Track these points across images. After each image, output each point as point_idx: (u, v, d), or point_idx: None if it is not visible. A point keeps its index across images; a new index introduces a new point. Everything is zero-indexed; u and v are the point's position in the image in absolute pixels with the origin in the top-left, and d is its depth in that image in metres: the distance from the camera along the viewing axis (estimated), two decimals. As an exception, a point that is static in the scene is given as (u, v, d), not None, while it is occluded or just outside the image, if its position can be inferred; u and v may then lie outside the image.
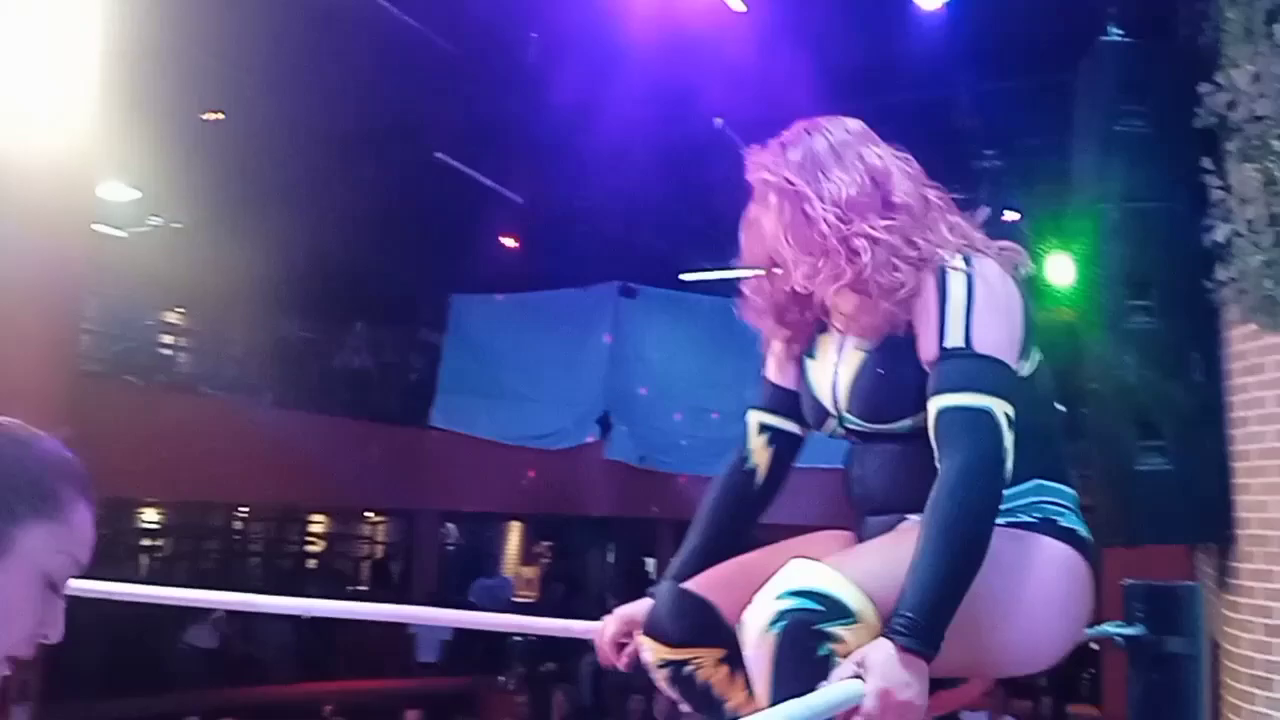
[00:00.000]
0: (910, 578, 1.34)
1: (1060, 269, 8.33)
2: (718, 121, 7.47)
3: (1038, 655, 1.48)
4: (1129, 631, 1.48)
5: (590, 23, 6.54)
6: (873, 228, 1.52)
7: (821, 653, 1.30)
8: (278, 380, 11.11)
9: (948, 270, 1.49)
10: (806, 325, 1.68)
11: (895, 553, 1.43)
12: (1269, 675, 3.75)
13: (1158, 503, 4.08)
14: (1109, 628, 1.51)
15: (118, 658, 9.40)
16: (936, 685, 1.41)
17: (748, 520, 1.74)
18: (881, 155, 1.59)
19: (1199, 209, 4.27)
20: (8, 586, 0.93)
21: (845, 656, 1.32)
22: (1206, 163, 4.26)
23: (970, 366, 1.43)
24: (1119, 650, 1.57)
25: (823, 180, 1.55)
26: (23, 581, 0.94)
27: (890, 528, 1.54)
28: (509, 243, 11.88)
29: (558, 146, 8.21)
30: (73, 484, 0.99)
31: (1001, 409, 1.41)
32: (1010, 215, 8.57)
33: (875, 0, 6.63)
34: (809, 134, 1.60)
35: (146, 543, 12.42)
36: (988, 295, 1.47)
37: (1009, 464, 1.40)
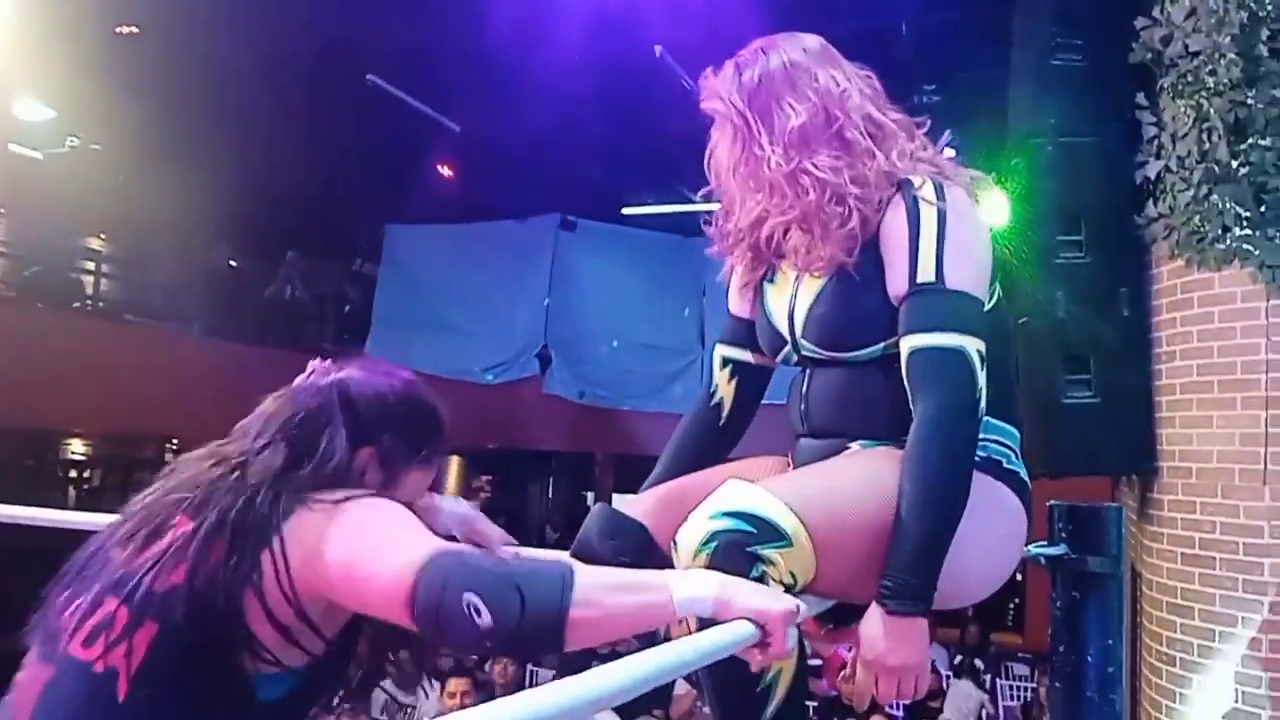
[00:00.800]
0: (896, 535, 1.33)
1: (996, 205, 8.43)
2: (658, 50, 7.35)
3: (970, 592, 1.50)
4: (1052, 551, 1.50)
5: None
6: (818, 165, 1.50)
7: (754, 575, 1.29)
8: (207, 310, 10.85)
9: (920, 201, 1.46)
10: (765, 255, 1.65)
11: (833, 478, 1.43)
12: (1189, 604, 3.88)
13: (1083, 435, 4.18)
14: (1033, 548, 1.53)
15: (28, 589, 9.23)
16: (856, 613, 1.42)
17: (715, 452, 1.72)
18: (838, 78, 1.55)
19: (1132, 144, 4.32)
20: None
21: (777, 579, 1.31)
22: (1140, 98, 4.30)
23: (943, 303, 1.42)
24: (1042, 582, 1.60)
25: (774, 111, 1.52)
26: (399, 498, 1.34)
27: (833, 451, 1.53)
28: (445, 172, 11.65)
29: (496, 73, 8.02)
30: (445, 445, 1.42)
31: (975, 347, 1.40)
32: (948, 151, 8.60)
33: (819, -73, 6.53)
34: (764, 54, 1.56)
35: (74, 474, 12.17)
36: (960, 228, 1.45)
37: (983, 403, 1.40)
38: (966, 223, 1.47)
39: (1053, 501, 1.55)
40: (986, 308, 1.49)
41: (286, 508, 1.26)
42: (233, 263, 12.10)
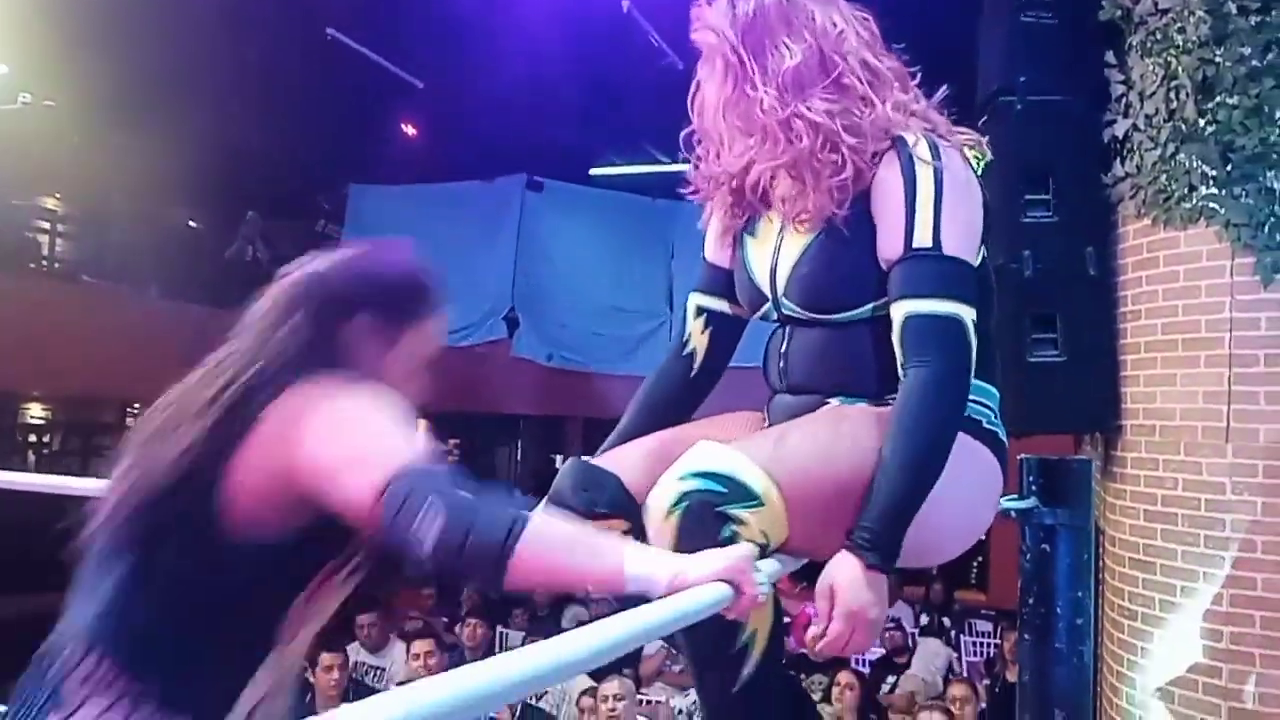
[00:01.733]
0: (876, 488, 1.32)
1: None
2: (625, 4, 7.25)
3: (946, 548, 1.50)
4: (1022, 505, 1.49)
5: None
6: (812, 109, 1.45)
7: (725, 535, 1.28)
8: (165, 271, 10.66)
9: (916, 161, 1.43)
10: (748, 202, 1.60)
11: (807, 435, 1.41)
12: (1151, 559, 3.93)
13: (1050, 393, 4.19)
14: (1003, 502, 1.52)
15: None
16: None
17: (684, 405, 1.69)
18: (835, 19, 1.50)
19: (1101, 103, 4.30)
20: (394, 368, 1.44)
21: (749, 539, 1.29)
22: (1109, 56, 4.28)
23: (940, 270, 1.39)
24: (1005, 539, 1.60)
25: (769, 50, 1.47)
26: (403, 364, 1.46)
27: (809, 409, 1.51)
28: (410, 131, 11.47)
29: (460, 29, 7.89)
30: (434, 302, 1.52)
31: (970, 316, 1.39)
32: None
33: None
34: None
35: (33, 439, 11.98)
36: (956, 191, 1.42)
37: (973, 371, 1.39)
38: (962, 186, 1.44)
39: (1023, 455, 1.54)
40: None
41: (273, 391, 1.33)
42: (192, 223, 11.89)
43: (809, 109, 1.45)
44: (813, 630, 1.33)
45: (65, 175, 9.87)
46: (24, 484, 2.04)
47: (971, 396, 1.46)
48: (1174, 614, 3.81)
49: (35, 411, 11.71)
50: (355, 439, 1.26)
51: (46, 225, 10.64)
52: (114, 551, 1.33)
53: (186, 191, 10.71)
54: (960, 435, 1.40)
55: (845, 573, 1.31)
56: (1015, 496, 1.53)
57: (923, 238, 1.40)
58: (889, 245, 1.43)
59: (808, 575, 1.52)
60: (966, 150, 1.51)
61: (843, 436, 1.40)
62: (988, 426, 1.48)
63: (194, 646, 1.30)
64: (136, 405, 12.55)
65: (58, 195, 10.64)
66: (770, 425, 1.57)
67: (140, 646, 1.29)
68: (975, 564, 9.58)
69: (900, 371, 1.39)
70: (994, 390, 1.53)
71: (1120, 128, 4.22)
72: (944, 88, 1.58)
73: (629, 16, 7.30)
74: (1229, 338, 3.73)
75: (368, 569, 1.43)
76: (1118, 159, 4.26)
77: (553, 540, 1.19)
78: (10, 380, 9.26)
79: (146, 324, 9.51)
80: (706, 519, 1.28)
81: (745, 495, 1.30)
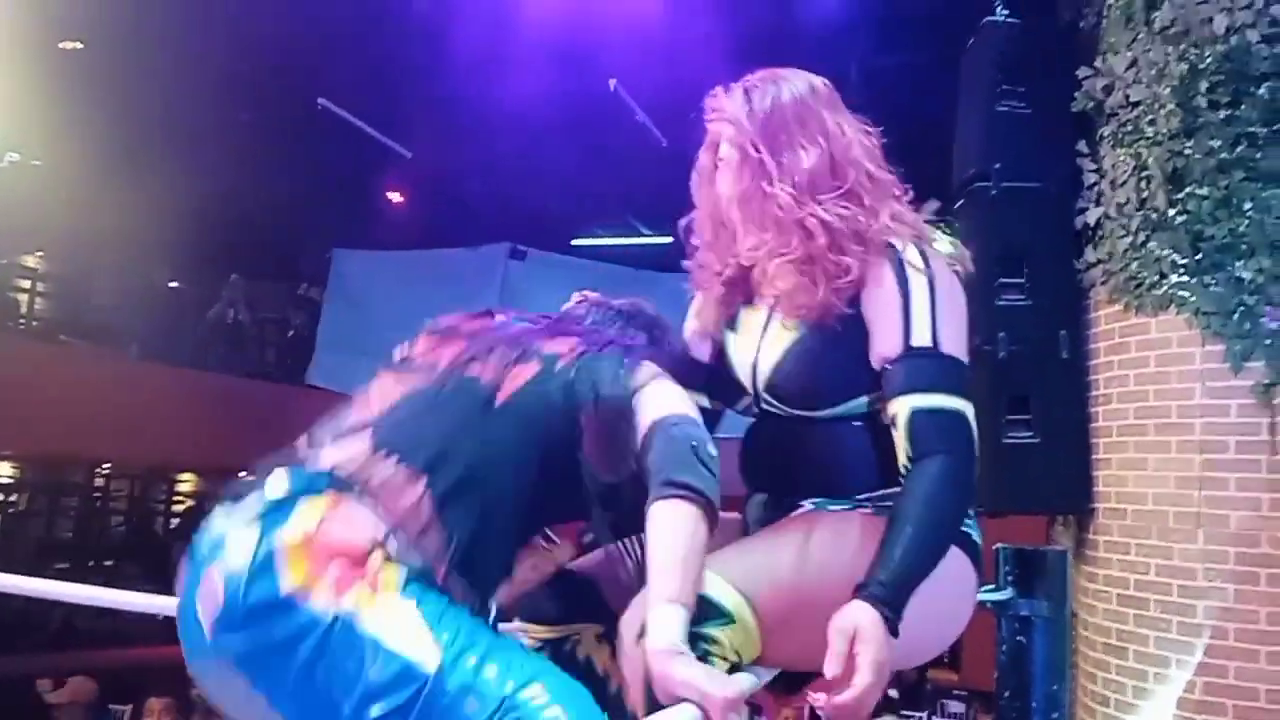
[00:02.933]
0: (889, 549, 1.32)
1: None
2: (612, 83, 7.39)
3: (924, 652, 1.51)
4: (998, 596, 1.50)
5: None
6: (826, 210, 1.48)
7: (697, 654, 1.25)
8: (145, 331, 10.61)
9: (907, 266, 1.46)
10: (740, 294, 1.62)
11: (780, 548, 1.41)
12: (1124, 645, 3.93)
13: (1023, 474, 4.22)
14: (981, 593, 1.53)
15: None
16: (803, 680, 1.40)
17: None
18: (844, 126, 1.54)
19: (1073, 191, 4.41)
20: None
21: (721, 656, 1.29)
22: (1082, 146, 4.40)
23: (941, 367, 1.42)
24: (979, 619, 1.60)
25: (784, 148, 1.50)
26: None
27: (785, 511, 1.51)
28: (395, 198, 11.55)
29: (449, 100, 8.00)
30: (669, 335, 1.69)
31: (970, 411, 1.41)
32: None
33: (772, -32, 6.63)
34: (775, 84, 1.54)
35: (0, 498, 11.79)
36: (946, 296, 1.46)
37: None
38: (951, 290, 1.47)
39: (1000, 545, 1.55)
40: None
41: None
42: (174, 283, 11.88)
43: (824, 210, 1.48)
44: (838, 695, 1.27)
45: (49, 234, 9.86)
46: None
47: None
48: (1147, 701, 3.79)
49: (3, 470, 11.54)
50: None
51: (26, 284, 10.60)
52: (471, 393, 1.37)
53: (170, 252, 10.72)
54: (954, 549, 1.41)
55: (868, 621, 1.27)
56: (992, 587, 1.54)
57: (921, 337, 1.42)
58: (887, 343, 1.45)
59: (783, 682, 1.50)
60: (944, 235, 1.54)
61: (818, 548, 1.40)
62: (962, 529, 1.48)
63: (494, 516, 1.31)
64: (107, 465, 12.41)
65: (39, 253, 10.62)
66: (745, 526, 1.57)
67: (457, 492, 1.29)
68: (949, 643, 9.51)
69: (905, 463, 1.40)
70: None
71: (1092, 215, 4.32)
72: (934, 202, 1.61)
73: (614, 93, 7.44)
74: (1199, 423, 3.78)
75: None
76: (1090, 245, 4.36)
77: (705, 538, 1.25)
78: (-20, 438, 9.14)
79: (122, 384, 9.44)
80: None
81: (717, 614, 1.30)
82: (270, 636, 1.17)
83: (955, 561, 1.45)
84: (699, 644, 1.27)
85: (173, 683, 8.38)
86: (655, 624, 1.19)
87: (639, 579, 1.34)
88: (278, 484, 1.28)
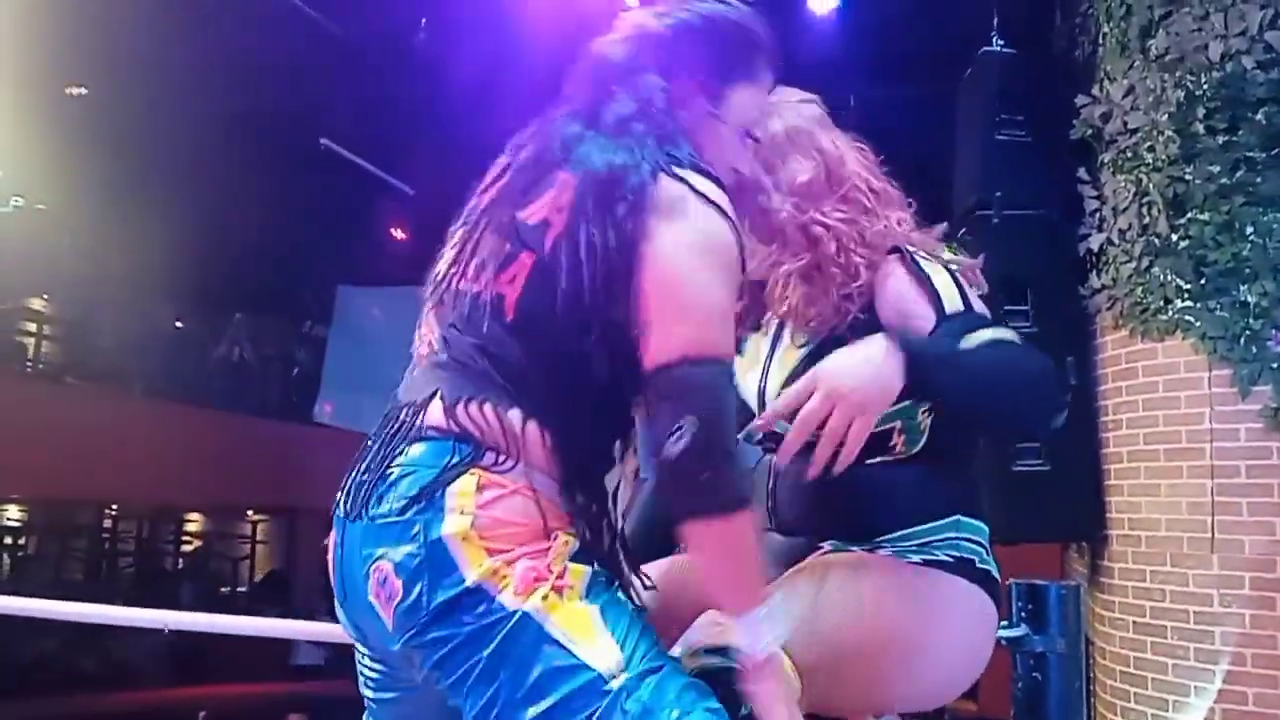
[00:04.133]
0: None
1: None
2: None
3: (940, 695, 1.48)
4: (1013, 633, 1.49)
5: (482, 11, 6.43)
6: (827, 215, 1.49)
7: (743, 713, 1.25)
8: (151, 371, 10.64)
9: (920, 259, 1.46)
10: (743, 319, 1.59)
11: (814, 594, 1.39)
12: (1142, 673, 3.89)
13: (1034, 502, 4.20)
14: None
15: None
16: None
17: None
18: (837, 142, 1.56)
19: (1074, 217, 4.42)
20: (722, 134, 1.32)
21: None
22: (1082, 173, 4.41)
23: (982, 320, 1.40)
24: (995, 649, 1.59)
25: (779, 168, 1.52)
26: (730, 132, 1.33)
27: (804, 552, 1.49)
28: (398, 234, 11.59)
29: (449, 137, 8.04)
30: (766, 54, 1.36)
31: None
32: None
33: (770, 1, 6.69)
34: (765, 117, 1.54)
35: (8, 541, 11.77)
36: (970, 284, 1.45)
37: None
38: (975, 283, 1.48)
39: (1013, 581, 1.54)
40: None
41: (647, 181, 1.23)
42: (179, 323, 11.92)
43: (825, 214, 1.49)
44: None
45: (55, 277, 9.92)
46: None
47: (964, 535, 1.46)
48: (1167, 730, 3.75)
49: (12, 514, 11.53)
50: (685, 301, 1.19)
51: (33, 327, 10.64)
52: (480, 311, 1.27)
53: (174, 292, 10.77)
54: (955, 580, 1.40)
55: (845, 352, 1.28)
56: (1006, 623, 1.52)
57: (954, 304, 1.41)
58: (918, 321, 1.41)
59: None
60: (953, 254, 1.53)
61: (836, 591, 1.38)
62: (980, 566, 1.47)
63: (580, 417, 1.25)
64: (114, 506, 12.40)
65: (45, 297, 10.67)
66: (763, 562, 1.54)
67: (538, 404, 1.23)
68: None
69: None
70: (985, 526, 1.52)
71: (1095, 241, 4.33)
72: (944, 225, 1.60)
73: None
74: (1210, 448, 3.77)
75: None
76: (1094, 271, 4.36)
77: (751, 540, 1.19)
78: (-13, 482, 9.15)
79: (128, 425, 9.46)
80: (729, 697, 1.24)
81: None
82: (460, 629, 1.16)
83: (970, 598, 1.44)
84: (745, 704, 1.25)
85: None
86: (751, 633, 1.20)
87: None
88: (407, 479, 1.22)
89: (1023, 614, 1.50)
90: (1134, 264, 4.08)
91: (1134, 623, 3.96)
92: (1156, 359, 3.98)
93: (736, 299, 1.25)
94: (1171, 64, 3.95)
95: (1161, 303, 3.94)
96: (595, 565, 1.22)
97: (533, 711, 1.12)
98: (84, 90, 7.62)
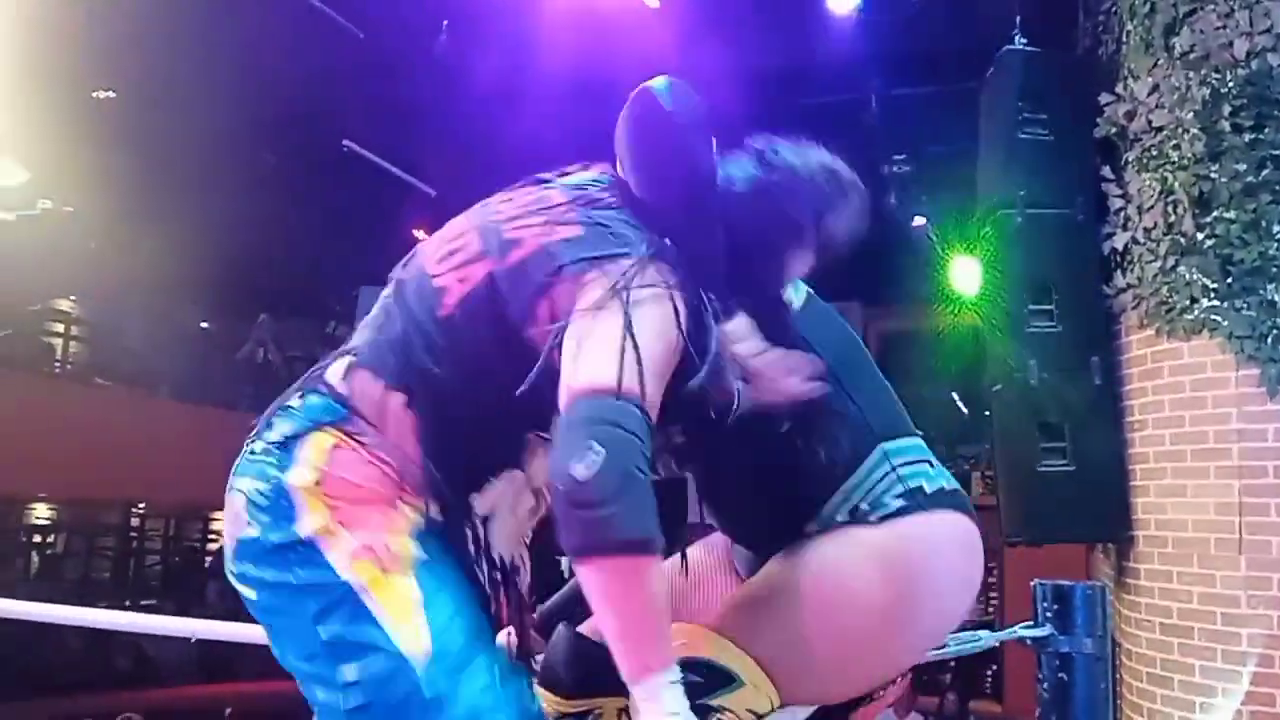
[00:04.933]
0: None
1: (966, 274, 8.50)
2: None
3: (945, 632, 1.45)
4: (1038, 633, 1.49)
5: (503, 13, 6.46)
6: None
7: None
8: (177, 372, 10.74)
9: None
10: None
11: (771, 595, 1.37)
12: (1168, 674, 3.87)
13: (1059, 502, 4.19)
14: (1019, 629, 1.51)
15: (3, 661, 8.99)
16: (855, 704, 1.39)
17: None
18: None
19: (1099, 216, 4.40)
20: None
21: None
22: (1106, 171, 4.39)
23: None
24: (1021, 648, 1.58)
25: None
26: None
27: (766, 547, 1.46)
28: (420, 235, 11.66)
29: (471, 138, 8.09)
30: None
31: None
32: (918, 220, 8.73)
33: (790, 1, 6.68)
34: None
35: (37, 540, 11.91)
36: None
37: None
38: None
39: (1038, 581, 1.54)
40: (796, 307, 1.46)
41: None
42: (204, 324, 12.02)
43: None
44: None
45: (82, 279, 10.03)
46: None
47: (899, 463, 1.40)
48: (1194, 731, 3.73)
49: (40, 512, 11.67)
50: (594, 342, 1.18)
51: (61, 328, 10.77)
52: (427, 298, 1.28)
53: (200, 293, 10.87)
54: (911, 521, 1.36)
55: None
56: (1030, 624, 1.53)
57: None
58: None
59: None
60: None
61: (807, 579, 1.35)
62: (934, 489, 1.40)
63: (464, 426, 1.25)
64: (141, 505, 12.52)
65: (73, 298, 10.80)
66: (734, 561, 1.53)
67: (424, 405, 1.25)
68: (989, 673, 9.38)
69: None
70: (917, 440, 1.46)
71: (1120, 240, 4.30)
72: None
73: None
74: (1236, 448, 3.74)
75: None
76: (1119, 270, 4.33)
77: (658, 585, 1.11)
78: (17, 483, 9.26)
79: (155, 425, 9.56)
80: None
81: (723, 680, 1.27)
82: (286, 576, 1.18)
83: (943, 527, 1.39)
84: (710, 715, 1.25)
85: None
86: (650, 701, 1.10)
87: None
88: (285, 422, 1.28)
89: (1048, 614, 1.50)
90: (1159, 263, 4.05)
91: (1161, 624, 3.94)
92: (1183, 358, 3.96)
93: (669, 365, 1.21)
94: (1196, 61, 3.93)
95: (1187, 302, 3.92)
96: (441, 544, 1.22)
97: (341, 678, 1.15)
98: (112, 94, 7.70)
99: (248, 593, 1.23)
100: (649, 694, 1.10)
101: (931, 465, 1.44)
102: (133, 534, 13.07)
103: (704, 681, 1.25)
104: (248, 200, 8.87)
